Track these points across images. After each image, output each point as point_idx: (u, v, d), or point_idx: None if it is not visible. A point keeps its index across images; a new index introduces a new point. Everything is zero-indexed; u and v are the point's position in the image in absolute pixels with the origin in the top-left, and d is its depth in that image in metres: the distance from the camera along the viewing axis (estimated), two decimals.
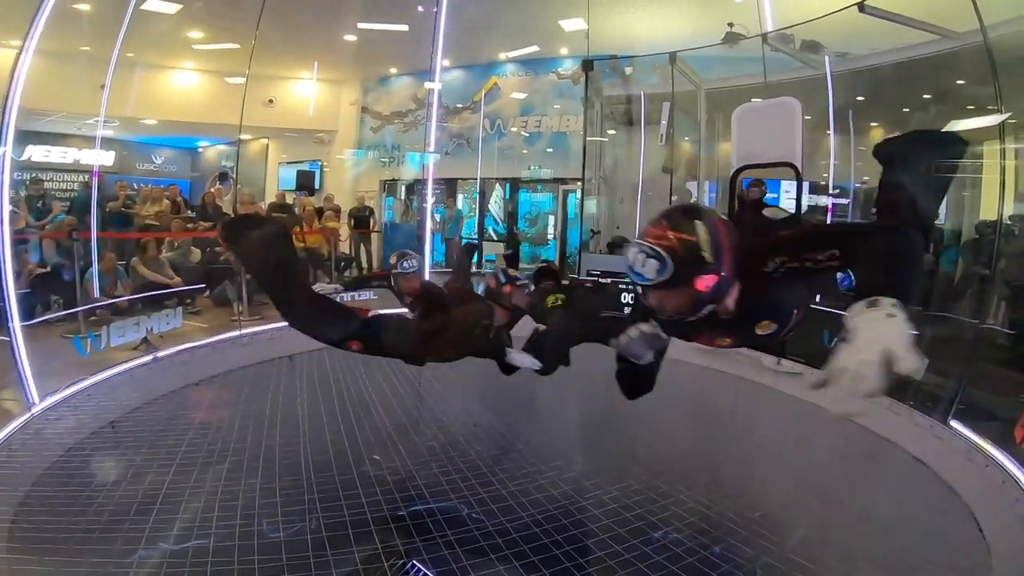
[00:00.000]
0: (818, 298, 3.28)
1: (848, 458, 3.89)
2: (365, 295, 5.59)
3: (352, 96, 12.55)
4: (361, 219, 10.10)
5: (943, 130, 4.42)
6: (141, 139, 12.70)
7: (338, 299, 3.88)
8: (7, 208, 3.67)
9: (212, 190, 9.38)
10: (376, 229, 10.65)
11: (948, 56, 5.50)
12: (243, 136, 10.66)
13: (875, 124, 7.78)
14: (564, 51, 10.45)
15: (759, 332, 1.67)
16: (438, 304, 2.91)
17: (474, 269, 8.15)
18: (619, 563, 2.56)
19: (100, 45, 6.54)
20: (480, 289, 3.55)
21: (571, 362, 2.82)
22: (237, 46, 8.83)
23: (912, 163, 1.92)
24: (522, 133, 11.18)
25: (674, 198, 7.93)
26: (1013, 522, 2.81)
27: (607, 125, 9.36)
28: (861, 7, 5.08)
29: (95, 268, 5.57)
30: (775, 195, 7.04)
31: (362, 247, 10.09)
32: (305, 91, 11.96)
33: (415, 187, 11.56)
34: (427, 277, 5.73)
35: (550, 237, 11.42)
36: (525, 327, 3.03)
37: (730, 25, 7.26)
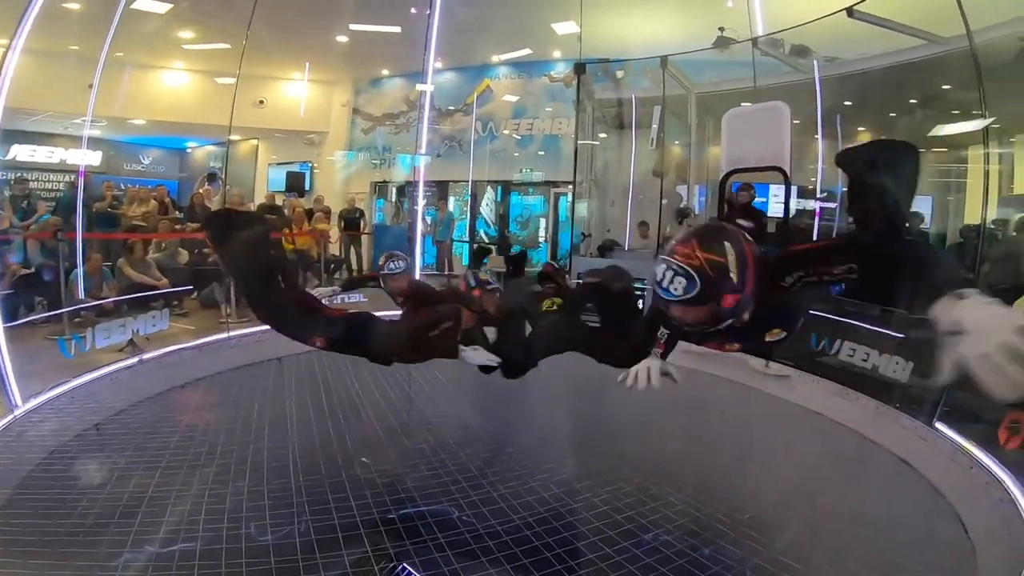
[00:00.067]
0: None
1: (835, 459, 3.92)
2: (355, 297, 5.58)
3: (344, 97, 12.52)
4: (351, 221, 10.06)
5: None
6: (129, 139, 12.60)
7: (337, 300, 3.88)
8: None
9: (200, 191, 9.33)
10: (366, 231, 10.62)
11: (934, 61, 5.58)
12: (233, 137, 10.59)
13: (862, 128, 7.87)
14: (556, 54, 10.50)
15: (768, 339, 1.75)
16: (428, 303, 2.90)
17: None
18: (610, 565, 2.55)
19: (89, 44, 6.48)
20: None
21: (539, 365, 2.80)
22: (228, 46, 8.78)
23: (876, 170, 1.97)
24: (514, 136, 11.20)
25: (664, 201, 7.98)
26: (997, 522, 2.84)
27: (598, 128, 9.40)
28: (850, 12, 5.14)
29: (80, 269, 5.50)
30: (763, 199, 7.10)
31: (352, 249, 10.05)
32: (296, 92, 11.92)
33: (406, 189, 11.55)
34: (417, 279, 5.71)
35: (541, 240, 11.44)
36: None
37: (721, 29, 7.33)
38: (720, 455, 3.94)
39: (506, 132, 11.24)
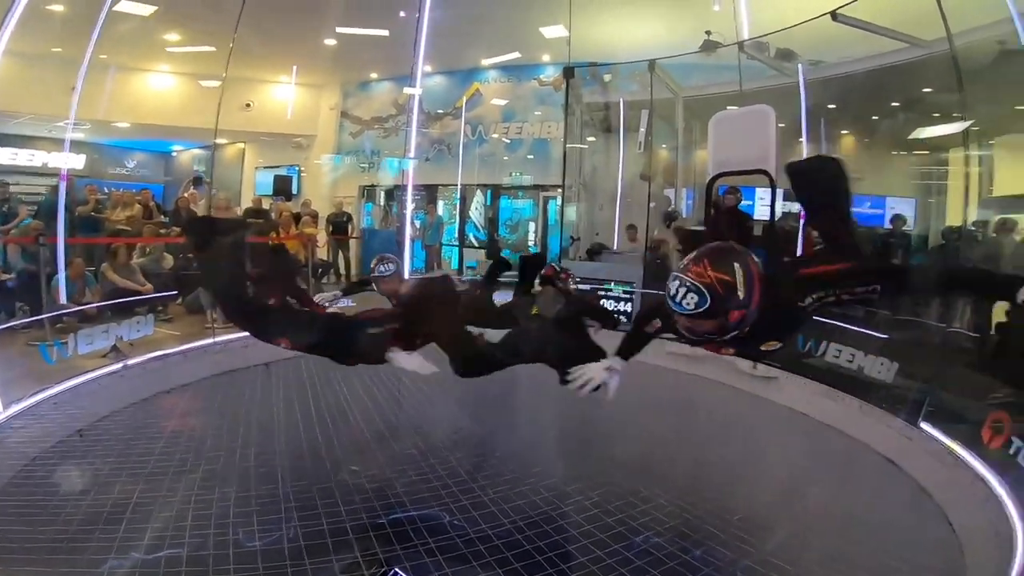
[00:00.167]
0: None
1: (823, 460, 3.96)
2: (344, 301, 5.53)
3: (332, 101, 12.47)
4: (339, 225, 10.00)
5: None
6: (113, 142, 12.43)
7: (338, 304, 3.87)
8: None
9: (186, 195, 9.22)
10: (354, 235, 10.56)
11: (916, 64, 5.66)
12: (219, 140, 10.50)
13: (845, 132, 7.98)
14: (545, 58, 10.54)
15: (764, 349, 1.92)
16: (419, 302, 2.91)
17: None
18: (601, 568, 2.55)
19: (72, 46, 6.38)
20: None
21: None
22: (213, 49, 8.70)
23: (821, 184, 2.18)
24: (503, 139, 11.21)
25: (652, 205, 8.01)
26: (983, 521, 2.88)
27: (587, 132, 9.44)
28: (834, 15, 5.20)
29: (62, 274, 5.41)
30: (750, 202, 7.16)
31: (340, 253, 9.99)
32: (284, 95, 11.85)
33: (395, 193, 11.51)
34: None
35: (531, 244, 11.44)
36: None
37: (708, 33, 7.39)
38: (709, 457, 3.96)
39: (495, 136, 11.24)
